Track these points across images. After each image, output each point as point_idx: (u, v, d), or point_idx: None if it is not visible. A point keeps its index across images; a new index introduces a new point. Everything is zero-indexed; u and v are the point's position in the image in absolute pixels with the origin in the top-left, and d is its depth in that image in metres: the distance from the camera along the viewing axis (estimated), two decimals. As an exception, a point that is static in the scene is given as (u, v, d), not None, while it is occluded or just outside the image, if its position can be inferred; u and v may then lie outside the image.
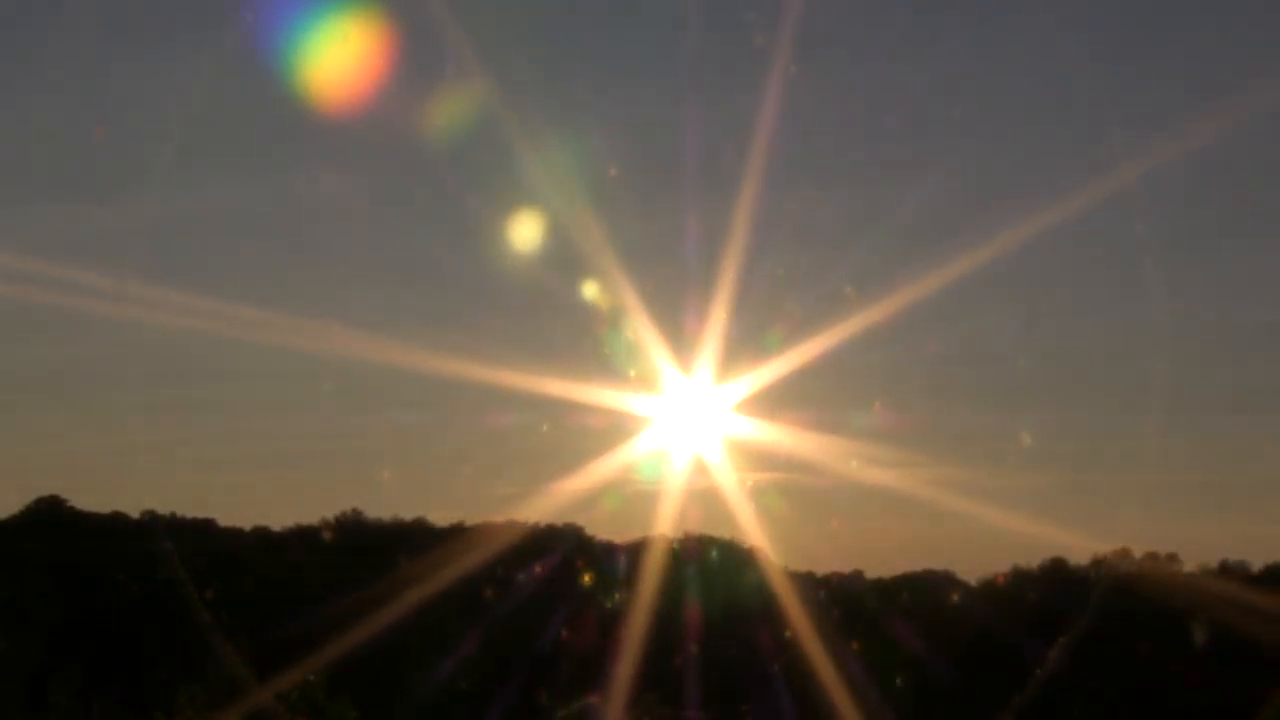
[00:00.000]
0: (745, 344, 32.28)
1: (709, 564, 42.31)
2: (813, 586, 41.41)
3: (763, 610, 37.68)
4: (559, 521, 47.46)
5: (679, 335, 31.06)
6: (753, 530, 37.92)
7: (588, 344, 33.82)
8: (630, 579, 40.05)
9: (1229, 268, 75.05)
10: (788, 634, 36.56)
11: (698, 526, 42.52)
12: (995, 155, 68.91)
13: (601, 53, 68.57)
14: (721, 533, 44.43)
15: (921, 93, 59.70)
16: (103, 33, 66.03)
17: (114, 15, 66.89)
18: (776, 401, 33.76)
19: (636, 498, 40.56)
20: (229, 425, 75.97)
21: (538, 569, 41.32)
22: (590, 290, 32.61)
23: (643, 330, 31.10)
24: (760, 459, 36.61)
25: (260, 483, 71.94)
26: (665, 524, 40.32)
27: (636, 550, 41.86)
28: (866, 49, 59.41)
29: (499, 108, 35.31)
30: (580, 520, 45.76)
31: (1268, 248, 72.32)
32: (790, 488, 37.95)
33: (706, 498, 37.72)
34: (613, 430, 35.09)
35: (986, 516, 39.98)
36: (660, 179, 64.19)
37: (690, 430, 34.39)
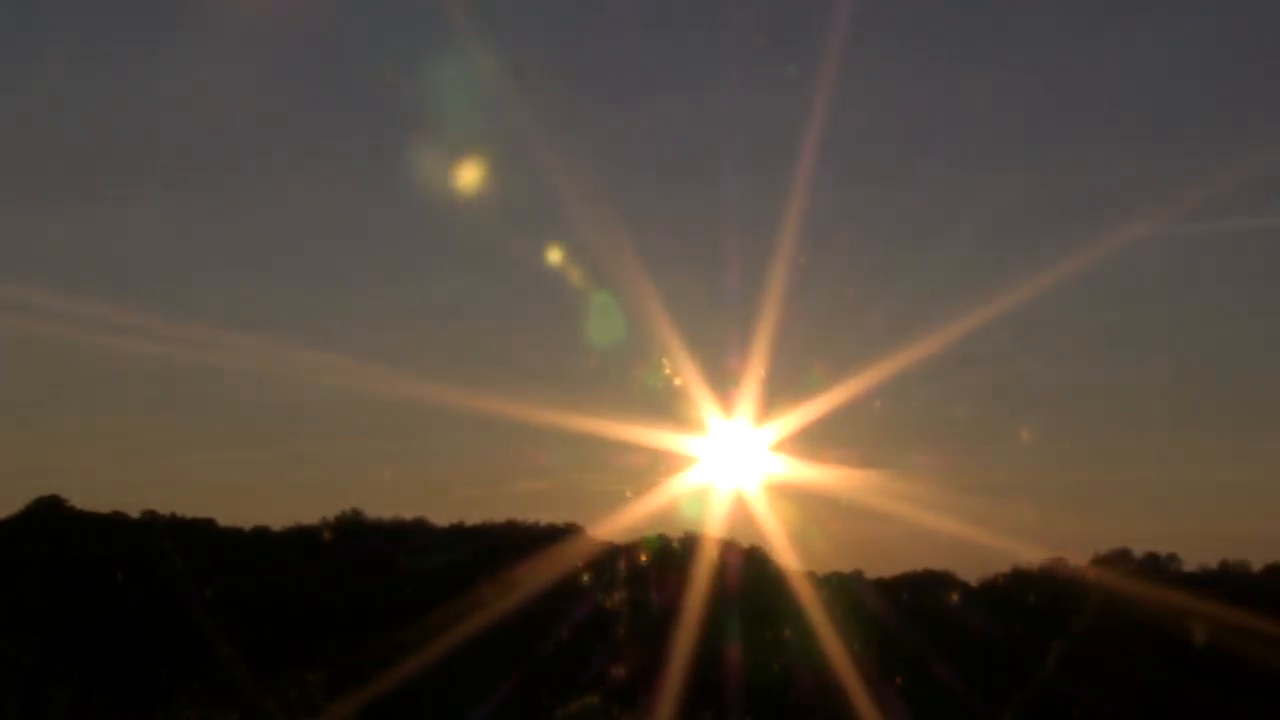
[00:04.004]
0: (786, 383, 32.21)
1: (720, 566, 42.24)
2: (813, 586, 41.35)
3: (773, 610, 37.69)
4: (560, 522, 47.51)
5: (720, 374, 30.85)
6: (763, 530, 37.92)
7: (627, 382, 33.87)
8: (631, 579, 40.06)
9: (1230, 269, 74.99)
10: (787, 633, 36.56)
11: (717, 532, 42.52)
12: (1036, 194, 68.75)
13: (637, 76, 68.40)
14: (730, 535, 44.35)
15: (969, 127, 59.49)
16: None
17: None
18: (816, 440, 33.97)
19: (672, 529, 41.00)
20: (229, 425, 75.97)
21: (538, 567, 41.24)
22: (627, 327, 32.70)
23: (683, 368, 30.89)
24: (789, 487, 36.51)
25: (260, 483, 71.94)
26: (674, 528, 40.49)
27: (636, 550, 41.85)
28: (910, 81, 59.31)
29: (536, 145, 35.60)
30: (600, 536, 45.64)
31: (1269, 248, 72.11)
32: (793, 489, 37.93)
33: (732, 512, 37.66)
34: (651, 469, 35.16)
35: (987, 521, 39.95)
36: (702, 213, 64.09)
37: (730, 467, 34.36)
